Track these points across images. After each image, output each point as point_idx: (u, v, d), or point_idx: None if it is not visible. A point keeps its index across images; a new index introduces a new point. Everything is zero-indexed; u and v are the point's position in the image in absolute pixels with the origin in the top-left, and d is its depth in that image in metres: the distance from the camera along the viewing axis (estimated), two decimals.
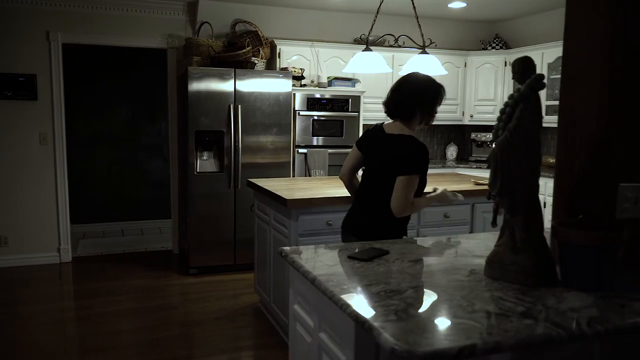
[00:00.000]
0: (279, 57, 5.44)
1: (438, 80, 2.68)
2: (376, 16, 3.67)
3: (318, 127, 5.32)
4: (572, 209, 1.78)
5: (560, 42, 5.99)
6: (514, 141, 1.59)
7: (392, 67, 5.79)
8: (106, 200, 6.86)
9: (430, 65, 3.78)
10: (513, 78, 1.66)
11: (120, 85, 6.77)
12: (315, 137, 5.32)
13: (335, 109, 5.37)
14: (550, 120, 5.52)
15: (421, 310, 1.40)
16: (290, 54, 5.47)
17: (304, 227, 3.21)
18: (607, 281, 1.56)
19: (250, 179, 4.03)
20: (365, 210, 2.63)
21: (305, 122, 5.26)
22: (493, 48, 6.32)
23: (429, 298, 1.49)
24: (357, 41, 4.06)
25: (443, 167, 6.05)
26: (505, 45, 6.36)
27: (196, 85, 4.67)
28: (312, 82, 5.51)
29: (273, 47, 5.49)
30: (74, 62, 6.53)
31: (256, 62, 5.12)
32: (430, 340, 1.20)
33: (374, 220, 2.58)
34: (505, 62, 6.10)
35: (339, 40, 5.74)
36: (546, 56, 5.51)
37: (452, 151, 6.66)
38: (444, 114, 6.27)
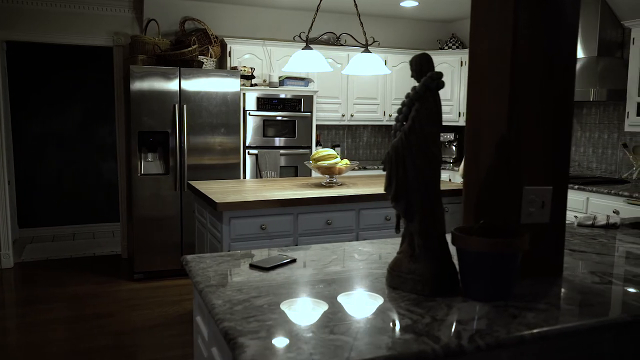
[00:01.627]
0: (230, 56, 5.32)
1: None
2: (316, 14, 3.58)
3: (269, 128, 5.21)
4: (479, 213, 1.71)
5: None
6: (408, 143, 1.51)
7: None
8: (58, 203, 6.64)
9: (373, 64, 3.70)
10: (412, 76, 1.58)
11: (73, 85, 6.57)
12: (266, 138, 5.21)
13: (287, 109, 5.27)
14: None
15: (296, 326, 1.30)
16: (242, 53, 5.35)
17: (236, 232, 3.10)
18: (506, 290, 1.49)
19: (190, 182, 3.91)
20: None
21: (257, 123, 5.15)
22: (450, 48, 6.29)
23: (313, 312, 1.40)
24: (297, 39, 3.96)
25: None
26: (462, 44, 6.33)
27: (139, 85, 4.52)
28: (265, 81, 5.40)
29: (223, 45, 5.37)
30: (24, 62, 6.31)
31: (204, 60, 4.99)
32: None
33: None
34: (462, 62, 6.07)
35: (292, 39, 5.64)
36: None
37: None
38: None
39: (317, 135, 5.59)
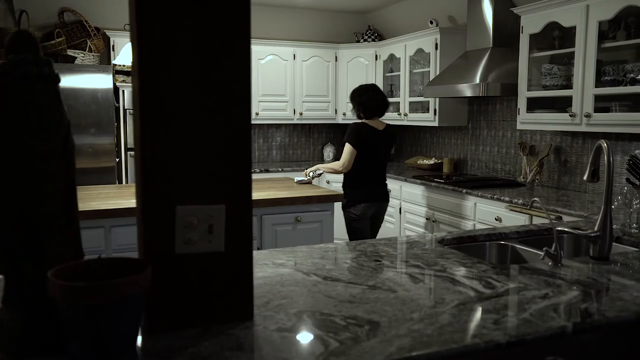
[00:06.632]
0: (114, 50, 4.91)
1: None
2: None
3: None
4: (143, 243, 1.32)
5: (419, 33, 5.49)
6: None
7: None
8: None
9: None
10: None
11: None
12: None
13: None
14: (417, 118, 5.13)
15: None
16: (129, 47, 4.93)
17: None
18: (113, 349, 1.10)
19: None
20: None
21: None
22: (365, 40, 5.91)
23: None
24: None
25: None
26: (379, 37, 5.95)
27: None
28: None
29: (107, 39, 4.96)
30: None
31: (79, 55, 4.59)
32: None
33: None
34: (376, 56, 5.69)
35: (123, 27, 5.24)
36: (408, 48, 5.11)
37: (328, 152, 6.21)
38: (315, 112, 5.85)
39: None
